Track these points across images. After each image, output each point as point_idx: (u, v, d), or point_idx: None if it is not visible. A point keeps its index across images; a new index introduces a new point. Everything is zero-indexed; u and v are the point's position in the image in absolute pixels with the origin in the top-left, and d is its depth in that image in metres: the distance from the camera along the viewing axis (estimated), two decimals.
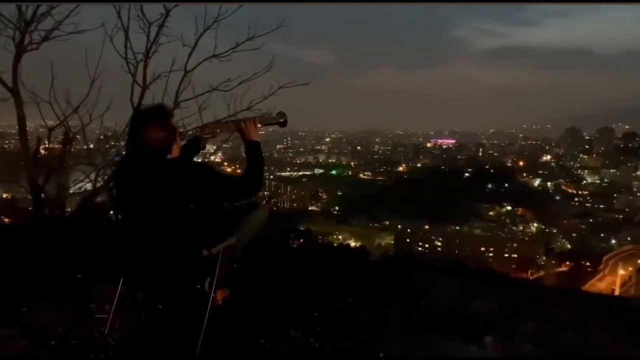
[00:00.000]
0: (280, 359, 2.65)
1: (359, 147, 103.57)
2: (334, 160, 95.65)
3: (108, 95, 5.88)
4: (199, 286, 2.45)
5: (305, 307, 3.33)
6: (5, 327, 2.58)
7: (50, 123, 5.67)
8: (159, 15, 5.84)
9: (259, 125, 2.65)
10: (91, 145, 6.32)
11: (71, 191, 6.39)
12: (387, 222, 60.97)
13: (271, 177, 69.41)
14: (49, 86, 5.41)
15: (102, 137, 6.59)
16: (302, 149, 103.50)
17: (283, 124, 2.81)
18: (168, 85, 5.79)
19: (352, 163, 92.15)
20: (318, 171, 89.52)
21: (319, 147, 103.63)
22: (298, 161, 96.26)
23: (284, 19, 5.83)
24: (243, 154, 2.65)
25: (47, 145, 6.04)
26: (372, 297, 3.79)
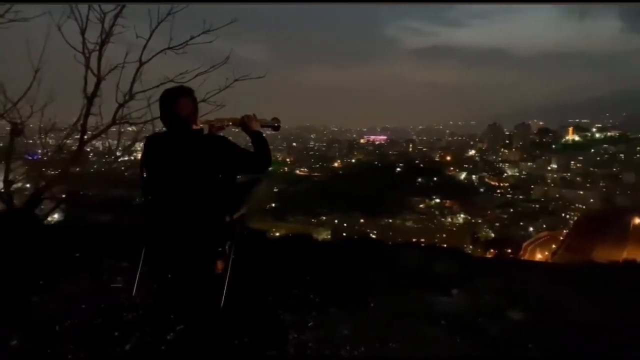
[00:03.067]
0: (287, 310, 2.98)
1: (294, 144, 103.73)
2: None
3: (60, 87, 5.82)
4: (220, 249, 2.72)
5: (299, 274, 3.69)
6: (35, 294, 2.71)
7: None
8: (114, 7, 5.87)
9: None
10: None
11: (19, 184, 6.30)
12: (324, 218, 61.73)
13: None
14: None
15: (45, 129, 6.48)
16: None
17: (277, 128, 3.20)
18: (124, 78, 5.82)
19: (288, 159, 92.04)
20: None
21: None
22: None
23: (235, 17, 6.01)
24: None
25: None
26: (353, 266, 4.22)
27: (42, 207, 6.34)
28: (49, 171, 6.98)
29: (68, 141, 6.85)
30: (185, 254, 2.76)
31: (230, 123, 2.98)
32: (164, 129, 2.78)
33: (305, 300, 3.27)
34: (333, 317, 3.08)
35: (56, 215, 7.32)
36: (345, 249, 5.95)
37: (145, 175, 2.70)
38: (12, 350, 2.31)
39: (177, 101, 2.56)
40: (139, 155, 3.09)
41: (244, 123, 2.91)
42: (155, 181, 2.64)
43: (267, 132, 3.36)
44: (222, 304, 2.63)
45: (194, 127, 2.62)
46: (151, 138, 2.76)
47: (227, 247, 2.76)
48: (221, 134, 3.13)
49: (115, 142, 6.86)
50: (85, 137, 6.51)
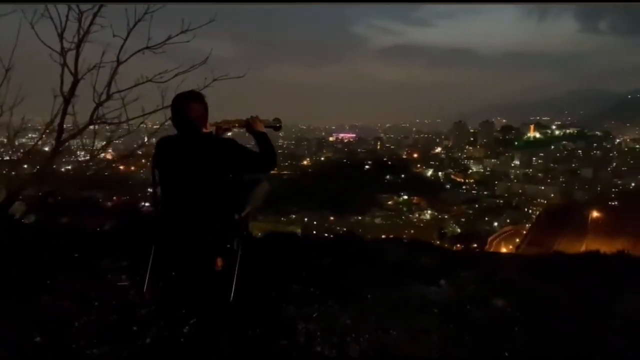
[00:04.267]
0: (291, 303, 3.14)
1: None
2: None
3: (31, 87, 5.74)
4: (228, 245, 2.85)
5: (294, 269, 3.84)
6: (44, 293, 2.77)
7: None
8: (91, 6, 5.84)
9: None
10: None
11: None
12: (294, 216, 61.82)
13: None
14: None
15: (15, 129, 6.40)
16: None
17: (278, 128, 3.36)
18: (102, 77, 5.79)
19: None
20: None
21: None
22: None
23: (216, 13, 6.04)
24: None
25: None
26: (342, 261, 4.41)
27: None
28: (19, 172, 6.88)
29: (40, 141, 6.77)
30: (197, 251, 2.88)
31: (237, 125, 3.11)
32: (159, 127, 2.89)
33: (305, 293, 3.44)
34: (333, 308, 3.26)
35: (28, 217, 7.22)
36: (331, 245, 6.14)
37: (157, 177, 2.81)
38: (36, 347, 2.38)
39: (188, 106, 2.69)
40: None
41: (248, 124, 3.06)
42: (167, 182, 2.75)
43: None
44: (231, 298, 2.76)
45: (204, 130, 2.74)
46: (162, 141, 2.86)
47: (235, 244, 2.89)
48: (228, 135, 3.27)
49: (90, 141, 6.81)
50: (62, 137, 6.46)
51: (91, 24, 5.85)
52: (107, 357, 2.38)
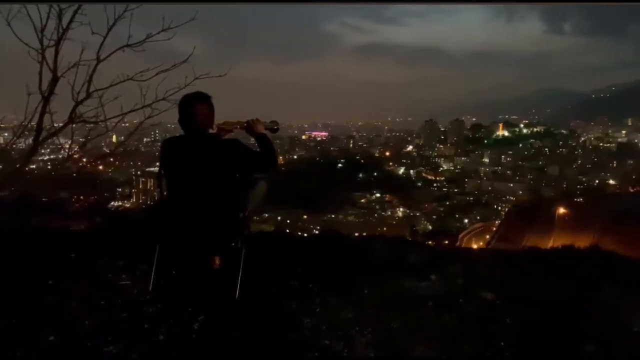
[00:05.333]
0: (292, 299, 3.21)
1: None
2: None
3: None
4: (233, 244, 2.90)
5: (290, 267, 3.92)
6: (51, 293, 2.76)
7: None
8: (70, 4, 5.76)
9: None
10: None
11: None
12: (267, 215, 61.65)
13: (138, 172, 66.10)
14: None
15: None
16: None
17: (275, 130, 3.45)
18: (81, 75, 5.71)
19: None
20: None
21: None
22: None
23: (197, 11, 6.03)
24: None
25: None
26: (332, 258, 4.50)
27: None
28: None
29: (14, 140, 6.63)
30: (203, 250, 2.93)
31: (238, 126, 3.17)
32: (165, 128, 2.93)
33: (304, 289, 3.52)
34: (334, 303, 3.34)
35: None
36: (317, 242, 6.22)
37: (163, 177, 2.84)
38: (51, 346, 2.39)
39: (194, 107, 2.73)
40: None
41: (249, 126, 3.12)
42: (174, 182, 2.79)
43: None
44: (237, 295, 2.82)
45: (210, 131, 2.79)
46: (169, 141, 2.90)
47: (239, 242, 2.95)
48: (229, 136, 3.31)
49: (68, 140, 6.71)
50: (41, 136, 6.35)
51: (71, 21, 5.77)
52: (123, 354, 2.41)
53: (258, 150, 2.99)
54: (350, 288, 3.67)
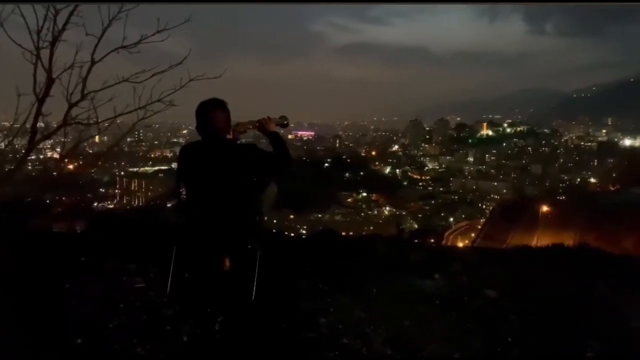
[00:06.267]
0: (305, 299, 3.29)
1: None
2: None
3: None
4: (249, 246, 2.98)
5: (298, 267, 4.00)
6: (70, 297, 2.80)
7: None
8: (66, 5, 5.75)
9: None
10: None
11: None
12: None
13: (122, 173, 65.42)
14: None
15: None
16: (156, 142, 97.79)
17: (286, 126, 3.53)
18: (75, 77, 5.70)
19: None
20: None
21: (176, 140, 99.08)
22: (153, 155, 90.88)
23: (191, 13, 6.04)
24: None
25: None
26: (335, 257, 4.59)
27: None
28: None
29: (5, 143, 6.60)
30: (221, 252, 2.99)
31: (251, 127, 3.23)
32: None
33: (315, 289, 3.60)
34: (345, 302, 3.43)
35: None
36: (315, 242, 6.31)
37: (181, 182, 2.90)
38: (80, 349, 2.43)
39: (211, 114, 2.79)
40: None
41: (261, 125, 3.18)
42: (194, 187, 2.85)
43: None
44: (253, 295, 2.89)
45: (228, 136, 2.85)
46: (187, 147, 2.96)
47: (255, 244, 3.02)
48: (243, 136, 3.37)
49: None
50: (36, 138, 6.33)
51: (66, 22, 5.75)
52: (151, 356, 2.46)
53: (271, 150, 3.05)
54: (358, 287, 3.76)
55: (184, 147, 3.01)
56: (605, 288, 4.45)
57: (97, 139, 7.32)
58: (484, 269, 5.03)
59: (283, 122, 3.49)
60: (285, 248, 5.05)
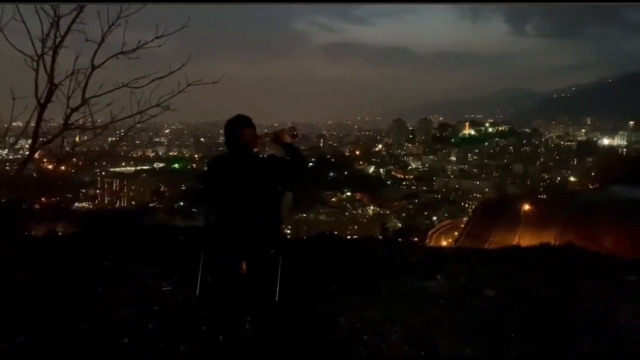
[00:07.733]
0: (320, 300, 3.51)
1: (202, 139, 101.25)
2: (175, 153, 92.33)
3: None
4: (272, 251, 3.19)
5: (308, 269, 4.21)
6: (105, 301, 2.98)
7: None
8: (69, 11, 5.85)
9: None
10: None
11: None
12: None
13: (103, 173, 64.62)
14: None
15: None
16: (137, 142, 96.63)
17: (296, 136, 3.75)
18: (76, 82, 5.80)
19: (196, 155, 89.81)
20: (158, 165, 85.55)
21: (157, 140, 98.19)
22: (134, 155, 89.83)
23: (189, 18, 6.15)
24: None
25: None
26: (341, 259, 4.82)
27: None
28: None
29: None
30: (247, 257, 3.19)
31: (267, 138, 3.45)
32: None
33: (328, 290, 3.83)
34: (358, 303, 3.67)
35: None
36: (315, 245, 6.53)
37: (209, 192, 3.10)
38: (127, 348, 2.61)
39: (240, 130, 3.02)
40: None
41: (276, 137, 3.41)
42: (222, 197, 3.06)
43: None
44: (276, 297, 3.11)
45: (255, 150, 3.08)
46: (215, 160, 3.16)
47: (277, 249, 3.24)
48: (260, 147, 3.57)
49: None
50: (37, 143, 6.42)
51: (69, 28, 5.86)
52: (195, 354, 2.65)
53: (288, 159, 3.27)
54: (367, 288, 4.00)
55: (212, 161, 3.21)
56: (593, 283, 4.77)
57: (77, 138, 7.34)
58: (480, 269, 5.31)
59: (293, 133, 3.71)
60: (289, 250, 5.27)
